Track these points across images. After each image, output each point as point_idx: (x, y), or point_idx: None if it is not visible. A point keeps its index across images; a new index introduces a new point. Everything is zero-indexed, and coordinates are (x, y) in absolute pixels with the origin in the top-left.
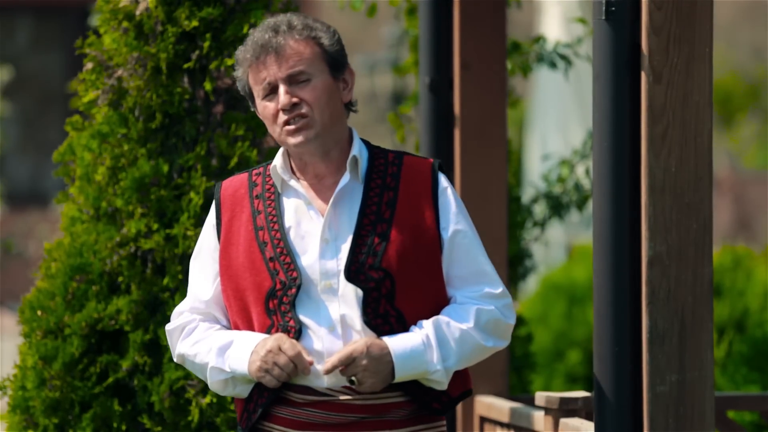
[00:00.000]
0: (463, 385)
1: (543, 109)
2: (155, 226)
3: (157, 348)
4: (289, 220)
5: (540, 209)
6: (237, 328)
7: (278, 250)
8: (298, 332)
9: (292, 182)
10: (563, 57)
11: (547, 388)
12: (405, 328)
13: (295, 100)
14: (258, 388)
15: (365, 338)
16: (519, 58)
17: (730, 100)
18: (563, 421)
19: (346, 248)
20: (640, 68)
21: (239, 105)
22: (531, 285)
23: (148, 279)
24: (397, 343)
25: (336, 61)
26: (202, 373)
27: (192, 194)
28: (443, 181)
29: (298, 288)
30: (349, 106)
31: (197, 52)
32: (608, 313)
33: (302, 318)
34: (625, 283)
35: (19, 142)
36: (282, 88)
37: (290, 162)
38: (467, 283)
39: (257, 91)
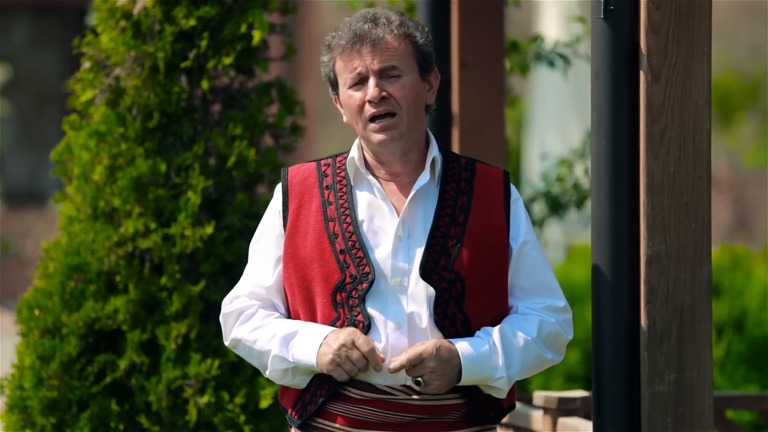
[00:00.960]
0: (510, 397)
1: (541, 109)
2: (153, 226)
3: (155, 347)
4: (361, 214)
5: (538, 208)
6: (297, 317)
7: (350, 243)
8: (366, 327)
9: (369, 177)
10: (562, 56)
11: (545, 388)
12: (469, 333)
13: (384, 94)
14: (318, 379)
15: (434, 339)
16: (517, 57)
17: (728, 100)
18: (562, 420)
19: (418, 247)
20: (638, 67)
21: (237, 104)
22: None
23: (146, 278)
24: (465, 347)
25: (426, 62)
26: (259, 359)
27: (190, 193)
28: (515, 192)
29: (371, 283)
30: (428, 109)
31: (195, 51)
32: (607, 312)
33: (370, 313)
34: (623, 282)
35: (17, 142)
36: (372, 80)
37: (364, 156)
38: (531, 295)
39: (344, 79)
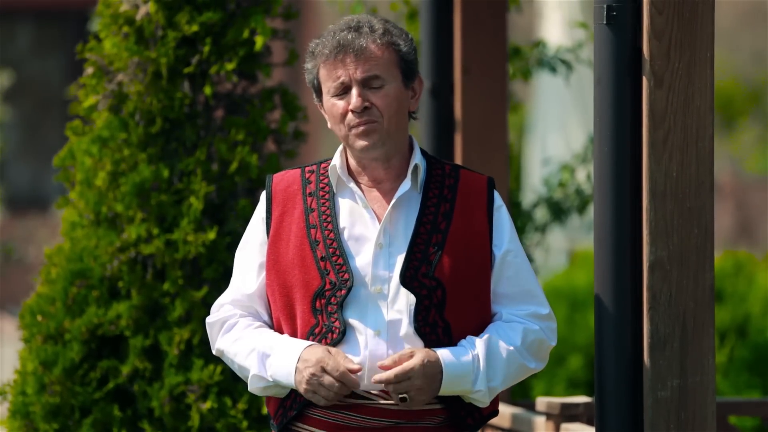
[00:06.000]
0: (493, 405)
1: (544, 114)
2: (155, 231)
3: (158, 353)
4: (343, 221)
5: (541, 214)
6: (279, 324)
7: (330, 250)
8: (342, 333)
9: (351, 184)
10: (564, 61)
11: (548, 394)
12: (450, 340)
13: (366, 103)
14: None
15: (420, 355)
16: (520, 63)
17: (731, 105)
18: (564, 426)
19: (399, 255)
20: (641, 73)
21: (239, 110)
22: None
23: (149, 284)
24: (449, 358)
25: (409, 70)
26: (240, 372)
27: (192, 199)
28: (498, 199)
29: (349, 290)
30: (411, 114)
31: (197, 57)
32: (609, 318)
33: (349, 320)
34: (626, 288)
35: (20, 147)
36: (355, 90)
37: (347, 162)
38: (514, 302)
39: (327, 88)
